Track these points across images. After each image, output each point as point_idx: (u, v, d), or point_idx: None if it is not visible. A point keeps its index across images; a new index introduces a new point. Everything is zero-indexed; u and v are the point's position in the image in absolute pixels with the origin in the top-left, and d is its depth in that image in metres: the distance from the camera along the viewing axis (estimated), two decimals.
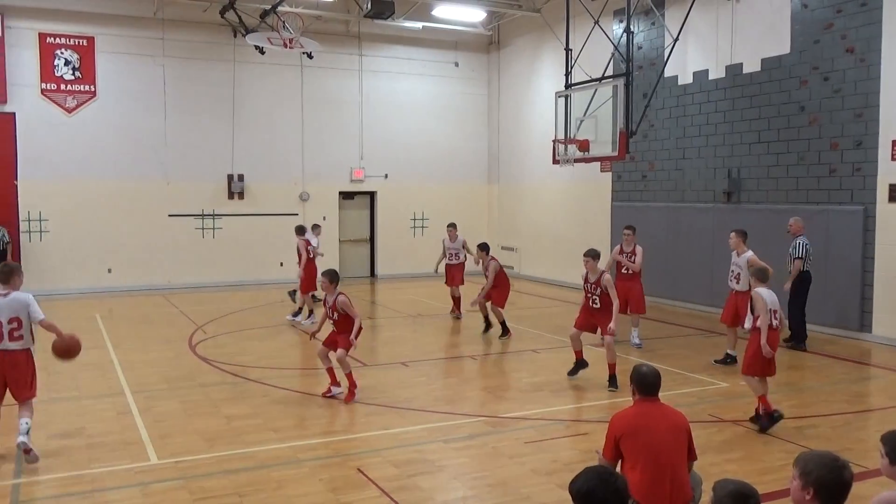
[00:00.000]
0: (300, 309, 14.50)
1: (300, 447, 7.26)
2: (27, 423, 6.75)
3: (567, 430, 7.90)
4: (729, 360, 10.75)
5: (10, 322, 6.73)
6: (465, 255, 15.06)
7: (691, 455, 4.89)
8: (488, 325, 13.29)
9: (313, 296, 14.70)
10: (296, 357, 11.23)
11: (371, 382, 9.92)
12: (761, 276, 7.97)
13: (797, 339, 12.09)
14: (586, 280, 9.66)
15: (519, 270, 21.32)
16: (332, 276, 8.97)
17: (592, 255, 9.61)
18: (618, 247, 12.28)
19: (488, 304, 13.03)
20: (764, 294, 7.77)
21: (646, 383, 4.90)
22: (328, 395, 9.04)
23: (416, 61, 21.81)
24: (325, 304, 9.13)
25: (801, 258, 11.85)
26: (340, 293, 8.91)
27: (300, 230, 15.01)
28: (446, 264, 15.22)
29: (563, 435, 7.73)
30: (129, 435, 7.61)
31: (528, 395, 9.31)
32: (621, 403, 8.17)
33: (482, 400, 9.15)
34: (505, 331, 12.87)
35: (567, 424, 8.13)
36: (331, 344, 8.95)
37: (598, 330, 9.72)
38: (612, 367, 9.46)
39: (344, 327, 8.87)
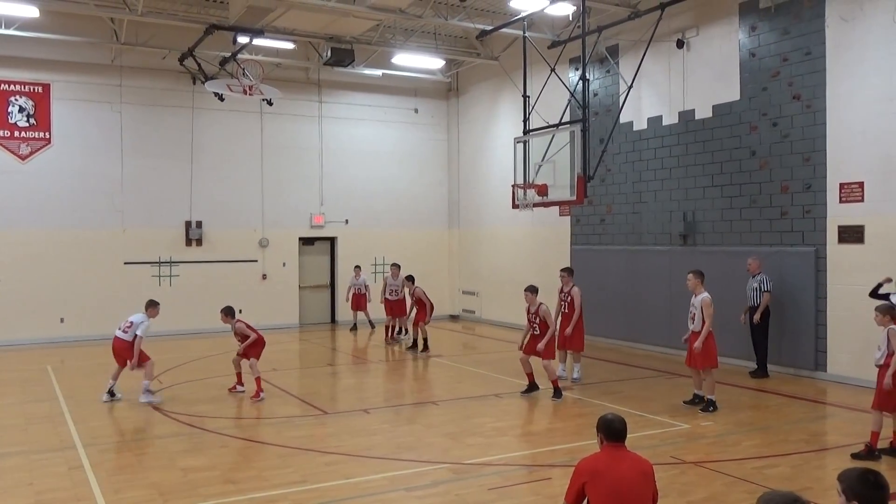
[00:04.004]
0: (396, 330, 17.87)
1: (259, 499, 7.08)
2: (145, 384, 11.29)
3: (531, 476, 7.84)
4: (697, 400, 10.79)
5: (128, 325, 11.37)
6: (404, 293, 17.11)
7: (654, 497, 4.92)
8: (415, 344, 16.19)
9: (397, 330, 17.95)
10: (255, 406, 11.03)
11: (332, 430, 9.77)
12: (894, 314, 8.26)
13: (762, 369, 12.94)
14: (528, 311, 11.56)
15: (480, 315, 21.33)
16: (227, 311, 11.70)
17: (532, 289, 11.63)
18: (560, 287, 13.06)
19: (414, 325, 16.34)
20: None
21: (612, 430, 4.95)
22: (233, 390, 11.83)
23: (376, 108, 22.00)
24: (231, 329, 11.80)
25: (770, 291, 12.73)
26: (238, 321, 11.67)
27: (411, 279, 17.01)
28: (386, 299, 17.53)
29: (526, 480, 7.67)
30: (81, 490, 7.35)
31: (491, 440, 9.24)
32: (586, 448, 8.17)
33: (445, 446, 9.05)
34: (425, 347, 15.90)
35: (531, 470, 8.07)
36: (243, 355, 11.69)
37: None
38: (553, 382, 11.24)
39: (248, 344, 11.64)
